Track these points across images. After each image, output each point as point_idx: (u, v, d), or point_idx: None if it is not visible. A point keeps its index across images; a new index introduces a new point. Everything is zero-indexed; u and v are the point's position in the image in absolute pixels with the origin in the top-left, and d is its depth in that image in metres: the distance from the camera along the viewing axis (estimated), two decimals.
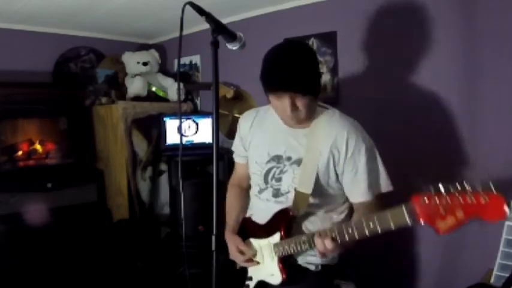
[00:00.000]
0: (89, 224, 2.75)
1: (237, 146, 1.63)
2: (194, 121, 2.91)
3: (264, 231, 1.44)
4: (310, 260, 1.44)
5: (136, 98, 2.98)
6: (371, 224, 1.13)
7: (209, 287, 1.11)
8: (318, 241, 1.24)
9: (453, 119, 1.86)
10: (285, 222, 1.39)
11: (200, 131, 2.91)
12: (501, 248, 1.58)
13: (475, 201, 0.92)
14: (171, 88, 3.13)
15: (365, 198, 1.38)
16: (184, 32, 1.17)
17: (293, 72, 1.24)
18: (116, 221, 2.94)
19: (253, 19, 2.66)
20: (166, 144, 2.87)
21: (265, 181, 1.46)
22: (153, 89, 3.08)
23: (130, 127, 2.87)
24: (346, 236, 1.20)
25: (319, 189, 1.39)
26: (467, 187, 0.94)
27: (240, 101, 2.75)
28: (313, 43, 2.36)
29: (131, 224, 2.90)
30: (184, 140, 2.89)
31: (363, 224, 1.15)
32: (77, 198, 2.80)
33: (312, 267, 1.44)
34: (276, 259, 1.40)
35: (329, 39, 2.29)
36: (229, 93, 2.73)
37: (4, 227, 2.42)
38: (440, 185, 0.98)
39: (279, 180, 1.43)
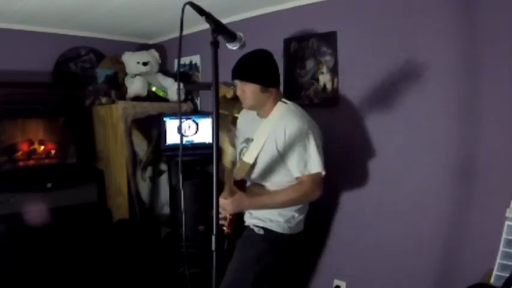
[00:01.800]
0: (89, 224, 2.75)
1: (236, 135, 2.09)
2: (194, 121, 2.91)
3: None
4: (255, 222, 1.79)
5: (136, 98, 2.98)
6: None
7: (209, 287, 1.11)
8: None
9: (453, 118, 1.86)
10: (236, 186, 1.77)
11: (200, 131, 2.91)
12: (501, 248, 1.58)
13: None
14: (171, 88, 3.13)
15: (297, 175, 1.73)
16: (184, 32, 1.17)
17: (240, 66, 1.74)
18: (116, 221, 2.94)
19: (253, 19, 2.66)
20: (166, 144, 2.87)
21: (239, 157, 1.90)
22: (153, 89, 3.08)
23: (131, 127, 2.87)
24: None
25: (261, 163, 1.77)
26: None
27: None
28: (313, 43, 2.36)
29: (131, 224, 2.90)
30: (184, 140, 2.89)
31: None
32: (77, 198, 2.80)
33: (256, 229, 1.77)
34: (227, 215, 1.78)
35: (329, 39, 2.29)
36: (229, 93, 2.73)
37: (4, 227, 2.41)
38: None
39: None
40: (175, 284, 2.52)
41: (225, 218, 1.81)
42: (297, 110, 1.80)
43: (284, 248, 1.82)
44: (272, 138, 1.74)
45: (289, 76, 2.50)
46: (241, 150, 1.88)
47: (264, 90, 1.76)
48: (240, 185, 1.80)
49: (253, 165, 1.78)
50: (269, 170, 1.78)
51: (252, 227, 1.79)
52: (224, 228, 1.85)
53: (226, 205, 1.69)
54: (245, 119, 1.98)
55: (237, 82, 1.78)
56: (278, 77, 1.85)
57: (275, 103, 1.80)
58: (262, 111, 1.83)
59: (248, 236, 1.79)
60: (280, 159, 1.75)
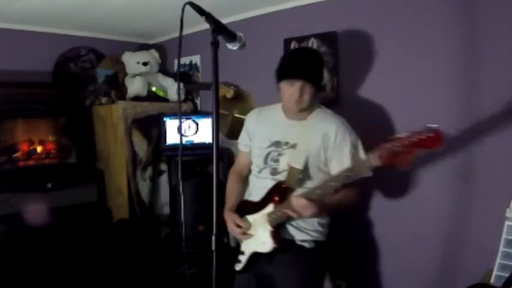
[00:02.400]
0: (89, 224, 2.75)
1: (243, 137, 1.87)
2: (194, 121, 2.91)
3: (259, 206, 1.65)
4: (303, 237, 1.64)
5: (137, 98, 2.98)
6: (345, 173, 1.47)
7: (209, 287, 1.11)
8: (293, 199, 1.51)
9: (453, 118, 1.86)
10: (279, 194, 1.60)
11: (200, 131, 2.91)
12: (501, 248, 1.58)
13: (417, 138, 1.22)
14: (171, 88, 3.13)
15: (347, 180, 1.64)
16: (184, 32, 1.17)
17: (308, 65, 1.58)
18: (116, 221, 2.94)
19: (253, 19, 2.66)
20: (166, 144, 2.87)
21: (265, 162, 1.70)
22: (153, 89, 3.08)
23: (131, 127, 2.87)
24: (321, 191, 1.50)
25: (310, 169, 1.64)
26: (409, 133, 1.25)
27: (240, 101, 2.75)
28: (313, 43, 2.36)
29: (131, 224, 2.90)
30: (184, 140, 2.89)
31: (336, 176, 1.51)
32: (77, 198, 2.80)
33: (307, 245, 1.64)
34: (268, 227, 1.60)
35: (329, 39, 2.29)
36: (229, 93, 2.73)
37: (4, 227, 2.41)
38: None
39: (276, 161, 1.67)
40: (175, 284, 2.52)
41: (245, 233, 1.66)
42: (334, 113, 1.73)
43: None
44: (318, 142, 1.63)
45: None
46: (268, 154, 1.69)
47: (317, 94, 1.64)
48: (284, 192, 1.61)
49: (302, 171, 1.62)
50: (314, 175, 1.66)
51: (299, 243, 1.64)
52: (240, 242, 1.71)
53: (305, 208, 1.48)
54: (261, 120, 1.79)
55: (296, 82, 1.57)
56: None
57: (314, 106, 1.70)
58: (297, 113, 1.68)
59: (300, 254, 1.63)
60: (324, 164, 1.66)
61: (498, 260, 1.58)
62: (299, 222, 1.63)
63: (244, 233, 1.66)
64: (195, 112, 3.24)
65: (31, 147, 2.81)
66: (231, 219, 1.69)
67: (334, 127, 1.64)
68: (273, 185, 1.63)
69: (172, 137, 2.87)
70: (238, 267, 1.70)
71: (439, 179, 1.94)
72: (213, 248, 1.08)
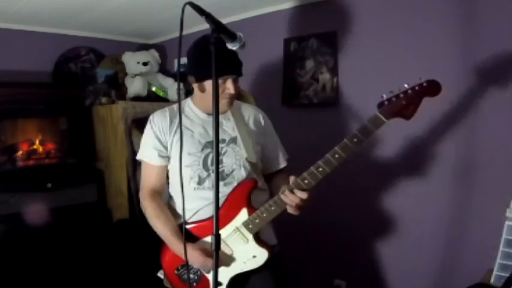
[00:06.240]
0: (89, 224, 2.75)
1: (153, 148, 1.57)
2: None
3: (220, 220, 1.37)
4: (274, 241, 1.56)
5: (136, 98, 2.97)
6: (338, 149, 1.33)
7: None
8: (290, 197, 1.32)
9: (452, 117, 1.86)
10: (245, 196, 1.43)
11: None
12: (501, 248, 1.58)
13: (419, 88, 1.32)
14: (171, 88, 3.12)
15: (283, 165, 1.67)
16: (184, 32, 1.17)
17: (236, 59, 1.48)
18: (116, 221, 2.94)
19: (253, 19, 2.67)
20: None
21: (206, 168, 1.51)
22: (153, 89, 3.08)
23: (131, 127, 2.86)
24: (314, 178, 1.32)
25: (259, 158, 1.59)
26: (408, 86, 1.33)
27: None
28: (313, 43, 2.36)
29: (131, 224, 2.89)
30: None
31: (329, 158, 1.33)
32: (77, 198, 2.80)
33: (276, 249, 1.54)
34: (251, 238, 1.41)
35: (329, 39, 2.29)
36: None
37: (4, 227, 2.41)
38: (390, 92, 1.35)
39: (220, 162, 1.48)
40: None
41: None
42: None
43: None
44: (253, 129, 1.60)
45: (289, 76, 2.50)
46: (207, 158, 1.51)
47: None
48: (249, 192, 1.45)
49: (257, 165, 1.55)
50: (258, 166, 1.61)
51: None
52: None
53: (309, 200, 1.35)
54: (178, 123, 1.52)
55: (232, 78, 1.47)
56: None
57: None
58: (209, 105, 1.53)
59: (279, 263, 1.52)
60: (261, 151, 1.61)
61: (498, 260, 1.58)
62: (268, 226, 1.50)
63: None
64: None
65: (31, 147, 2.81)
66: (196, 252, 1.42)
67: (260, 112, 1.66)
68: (234, 188, 1.46)
69: None
70: None
71: (439, 179, 1.94)
72: (213, 248, 1.08)
